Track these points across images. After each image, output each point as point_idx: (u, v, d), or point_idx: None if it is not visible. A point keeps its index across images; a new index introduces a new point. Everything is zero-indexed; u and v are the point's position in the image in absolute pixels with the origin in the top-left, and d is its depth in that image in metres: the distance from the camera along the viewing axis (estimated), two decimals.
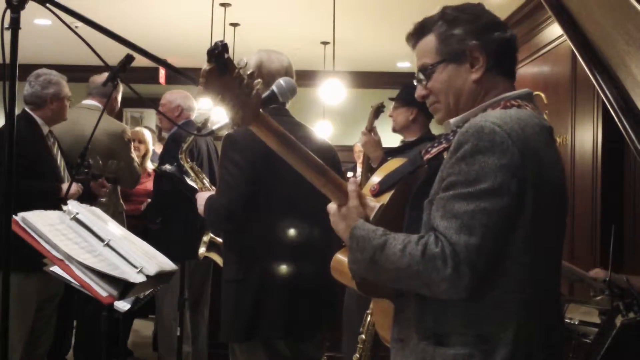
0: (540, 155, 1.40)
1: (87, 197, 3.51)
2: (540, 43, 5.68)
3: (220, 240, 3.13)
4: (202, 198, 2.51)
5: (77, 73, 3.76)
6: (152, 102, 5.05)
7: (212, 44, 1.37)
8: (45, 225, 1.94)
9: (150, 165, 5.07)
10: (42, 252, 1.90)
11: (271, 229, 2.39)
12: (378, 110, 3.43)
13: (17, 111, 1.78)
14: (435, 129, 3.03)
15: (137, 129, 5.26)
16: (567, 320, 3.01)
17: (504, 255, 1.38)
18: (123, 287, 1.89)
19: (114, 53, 2.28)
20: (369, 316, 2.69)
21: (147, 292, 2.53)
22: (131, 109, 9.95)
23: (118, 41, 1.88)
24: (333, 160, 2.56)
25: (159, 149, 5.45)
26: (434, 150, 1.52)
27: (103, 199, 3.90)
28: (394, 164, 1.63)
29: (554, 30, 5.26)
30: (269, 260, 2.39)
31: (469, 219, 1.34)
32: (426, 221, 1.44)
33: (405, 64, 8.64)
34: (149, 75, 7.57)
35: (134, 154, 4.32)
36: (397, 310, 1.56)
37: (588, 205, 4.74)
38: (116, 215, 4.08)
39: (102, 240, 2.01)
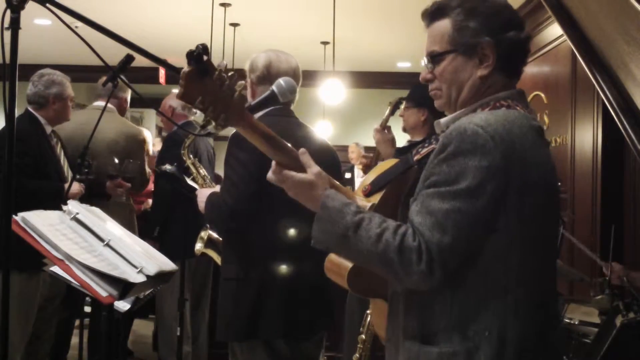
0: (526, 157, 1.40)
1: (93, 196, 3.52)
2: (540, 43, 5.68)
3: (217, 237, 3.13)
4: (203, 195, 2.50)
5: (77, 73, 3.76)
6: (152, 102, 5.05)
7: (197, 46, 1.34)
8: (45, 225, 1.94)
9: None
10: (42, 252, 1.90)
11: (273, 228, 2.38)
12: (395, 107, 3.41)
13: (17, 111, 1.78)
14: None
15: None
16: (567, 320, 3.01)
17: (487, 256, 1.39)
18: (123, 287, 1.88)
19: (114, 53, 2.27)
20: (369, 316, 2.69)
21: (147, 292, 2.53)
22: (131, 109, 9.86)
23: (118, 41, 1.88)
24: (333, 161, 2.56)
25: (159, 146, 5.47)
26: (424, 151, 1.54)
27: (123, 198, 3.94)
28: (387, 164, 1.64)
29: (554, 30, 5.26)
30: (271, 260, 2.39)
31: (443, 217, 1.35)
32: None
33: (405, 64, 8.64)
34: (149, 75, 7.56)
35: (146, 158, 4.36)
36: (389, 310, 1.57)
37: (588, 205, 4.74)
38: (130, 215, 4.11)
39: (102, 240, 2.01)
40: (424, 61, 1.59)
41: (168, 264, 2.23)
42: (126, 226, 2.41)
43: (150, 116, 10.50)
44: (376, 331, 1.83)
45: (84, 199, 3.25)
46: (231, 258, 2.47)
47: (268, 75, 2.50)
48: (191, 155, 3.34)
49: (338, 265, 1.57)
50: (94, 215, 2.13)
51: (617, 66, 1.94)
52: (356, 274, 1.54)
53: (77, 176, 3.39)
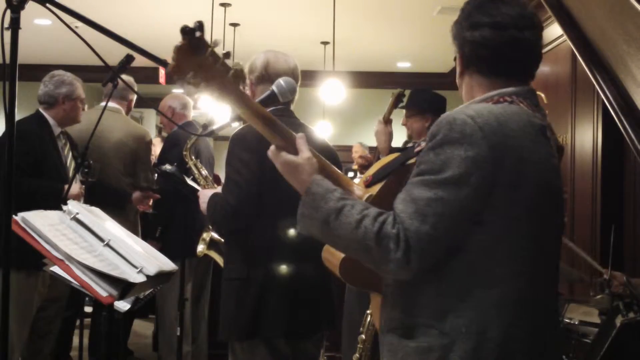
0: (520, 152, 1.38)
1: (107, 205, 3.55)
2: None
3: (218, 237, 3.13)
4: (205, 195, 2.50)
5: (77, 73, 3.74)
6: (152, 102, 5.06)
7: (195, 22, 1.34)
8: (45, 225, 1.94)
9: None
10: (42, 252, 1.90)
11: (276, 228, 2.39)
12: (398, 99, 3.41)
13: (17, 111, 1.78)
14: None
15: None
16: (567, 320, 3.01)
17: (473, 249, 1.37)
18: (123, 287, 1.89)
19: (114, 53, 2.27)
20: (369, 316, 2.69)
21: (147, 292, 2.53)
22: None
23: (118, 41, 1.87)
24: (334, 161, 2.56)
25: (159, 146, 5.48)
26: (424, 144, 1.54)
27: (149, 211, 4.01)
28: (389, 157, 1.66)
29: (554, 30, 5.26)
30: (273, 260, 2.39)
31: (424, 206, 1.34)
32: None
33: (405, 64, 8.65)
34: (149, 75, 7.57)
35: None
36: (381, 303, 1.56)
37: (588, 205, 4.74)
38: (135, 217, 4.15)
39: (102, 240, 2.01)
40: None
41: (168, 264, 2.23)
42: (130, 228, 2.42)
43: (150, 116, 10.51)
44: (376, 325, 1.84)
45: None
46: (233, 258, 2.47)
47: (267, 75, 2.51)
48: (193, 157, 3.34)
49: (332, 254, 1.58)
50: (93, 215, 2.13)
51: (617, 66, 1.94)
52: (348, 264, 1.54)
53: (80, 178, 3.40)
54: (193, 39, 1.34)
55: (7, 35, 1.72)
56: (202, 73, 1.37)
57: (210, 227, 3.16)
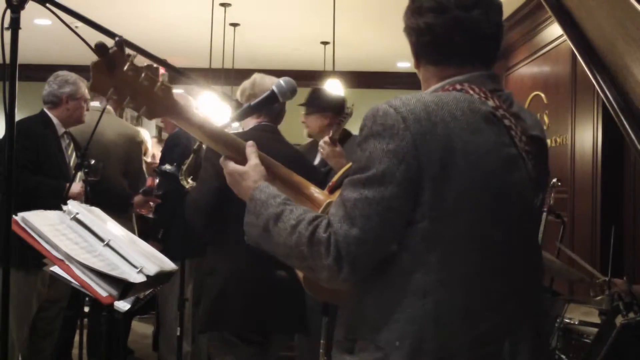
0: (450, 142, 1.23)
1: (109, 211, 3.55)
2: (540, 43, 5.68)
3: None
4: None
5: (77, 73, 3.76)
6: None
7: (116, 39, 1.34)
8: (45, 225, 1.94)
9: None
10: (42, 252, 1.90)
11: (241, 223, 2.41)
12: (344, 118, 3.18)
13: (17, 111, 1.78)
14: None
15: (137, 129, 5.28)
16: (567, 320, 3.02)
17: (405, 253, 1.25)
18: (123, 287, 1.88)
19: None
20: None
21: (147, 292, 2.53)
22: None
23: None
24: (305, 170, 2.58)
25: (157, 150, 5.47)
26: None
27: (150, 215, 4.02)
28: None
29: (554, 30, 5.26)
30: (238, 255, 2.42)
31: (352, 207, 1.24)
32: None
33: (405, 64, 8.63)
34: None
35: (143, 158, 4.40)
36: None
37: (588, 205, 4.74)
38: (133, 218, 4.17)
39: (102, 240, 2.01)
40: None
41: (168, 264, 2.23)
42: (130, 229, 2.44)
43: None
44: None
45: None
46: (208, 253, 2.62)
47: (255, 92, 2.62)
48: (189, 180, 3.34)
49: None
50: (94, 215, 2.13)
51: (617, 66, 1.94)
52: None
53: (82, 177, 3.40)
54: (107, 55, 1.32)
55: (7, 35, 1.72)
56: (123, 89, 1.34)
57: None
